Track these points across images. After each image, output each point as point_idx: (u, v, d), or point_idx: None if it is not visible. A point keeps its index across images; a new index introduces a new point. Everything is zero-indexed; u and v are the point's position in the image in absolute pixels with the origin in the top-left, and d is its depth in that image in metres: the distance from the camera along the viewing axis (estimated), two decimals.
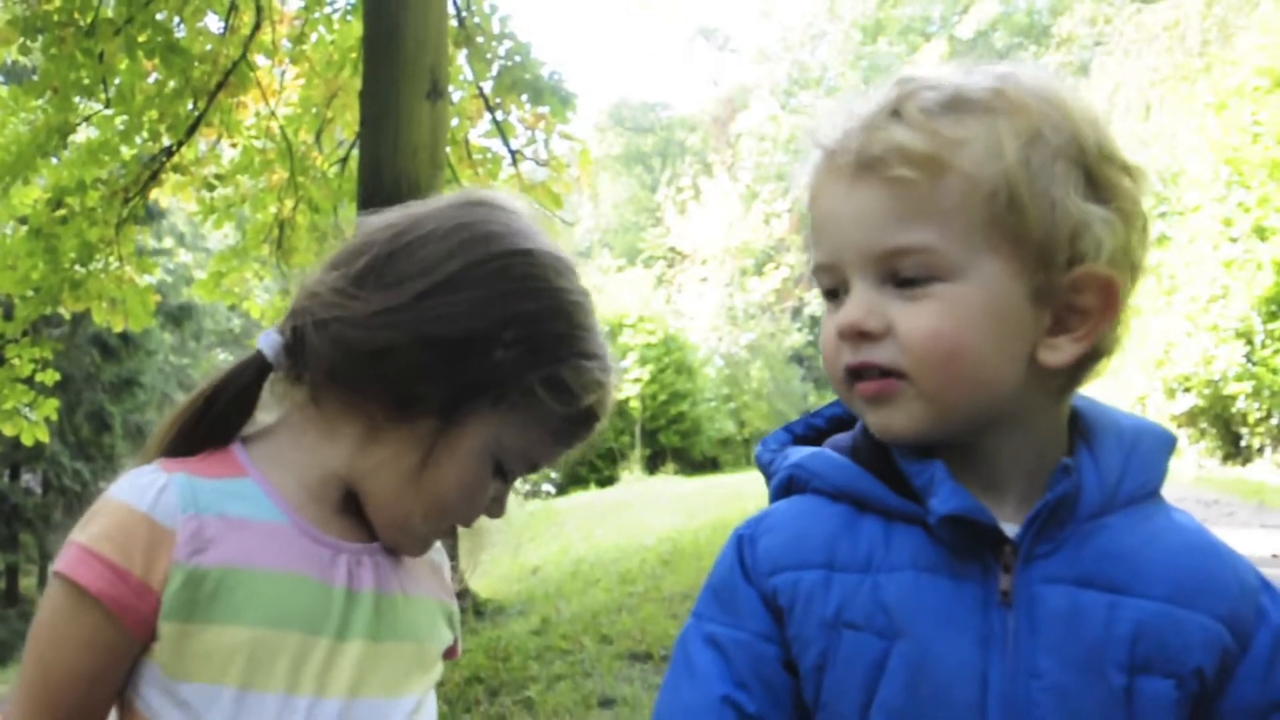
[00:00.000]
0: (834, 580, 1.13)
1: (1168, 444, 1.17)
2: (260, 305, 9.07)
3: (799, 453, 1.21)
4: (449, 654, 1.41)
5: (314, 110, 8.58)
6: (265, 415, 1.33)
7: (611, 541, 11.33)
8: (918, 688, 1.07)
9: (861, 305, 1.06)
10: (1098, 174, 1.04)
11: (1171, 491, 1.11)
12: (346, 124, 8.50)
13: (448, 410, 1.23)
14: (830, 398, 1.21)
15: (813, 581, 1.14)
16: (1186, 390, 16.37)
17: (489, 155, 8.84)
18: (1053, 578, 1.06)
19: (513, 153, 8.75)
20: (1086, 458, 1.10)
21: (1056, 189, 1.02)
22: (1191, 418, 16.56)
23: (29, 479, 27.39)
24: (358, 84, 6.47)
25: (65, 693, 1.26)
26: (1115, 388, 22.67)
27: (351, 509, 1.30)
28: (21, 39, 6.77)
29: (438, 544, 1.37)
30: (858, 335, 1.07)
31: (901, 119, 1.04)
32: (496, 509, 1.30)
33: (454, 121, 7.68)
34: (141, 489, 1.27)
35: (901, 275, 1.05)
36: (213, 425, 1.31)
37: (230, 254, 8.82)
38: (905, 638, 1.08)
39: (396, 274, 1.24)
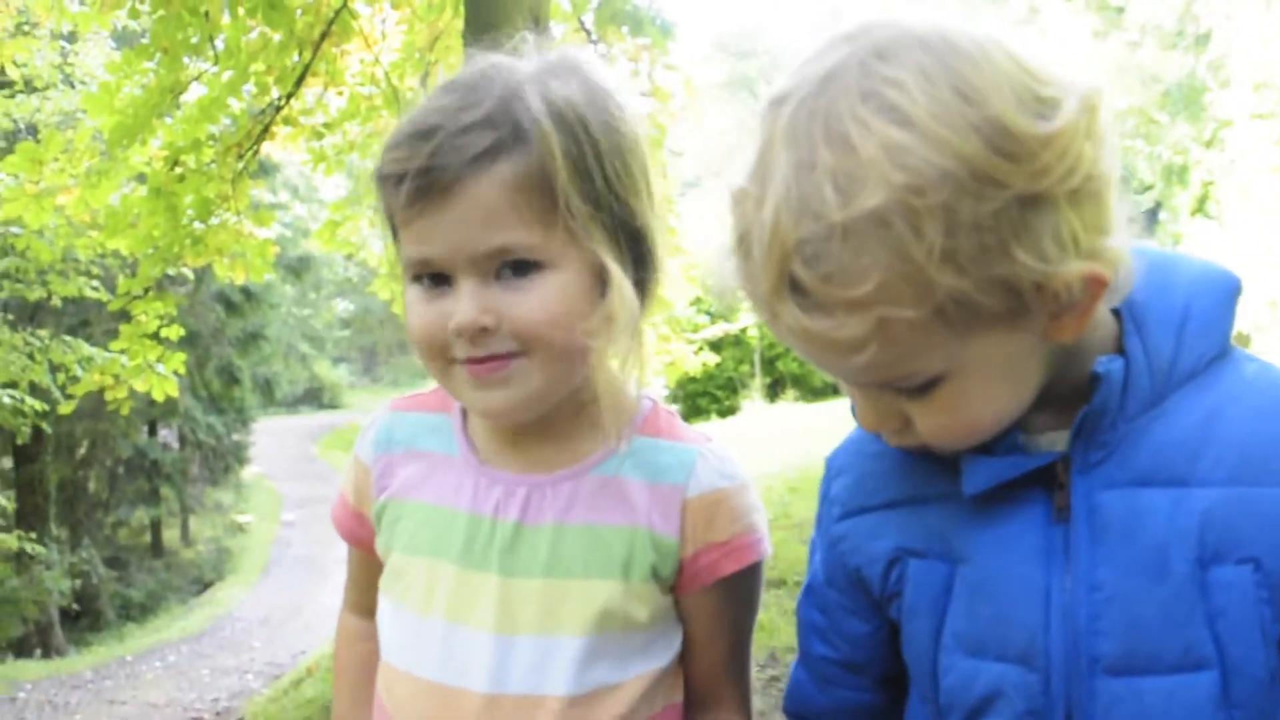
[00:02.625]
0: (893, 515, 1.16)
1: (1228, 294, 1.08)
2: (377, 254, 9.16)
3: None
4: (704, 571, 1.32)
5: (417, 54, 8.59)
6: None
7: None
8: (980, 610, 1.07)
9: (875, 411, 1.09)
10: (1012, 186, 0.89)
11: None
12: (449, 66, 8.50)
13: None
14: None
15: (875, 521, 1.18)
16: None
17: None
18: (1110, 483, 1.02)
19: None
20: (1135, 344, 1.04)
21: (978, 259, 0.90)
22: None
23: (166, 434, 28.25)
24: (460, 25, 6.44)
25: (350, 577, 1.58)
26: (1245, 296, 22.09)
27: (533, 438, 1.33)
28: (130, 2, 6.86)
29: (684, 464, 1.32)
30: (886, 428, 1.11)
31: (802, 297, 0.94)
32: (454, 323, 1.22)
33: None
34: (361, 429, 1.48)
35: (912, 387, 1.01)
36: None
37: (344, 203, 8.90)
38: (966, 562, 1.09)
39: None
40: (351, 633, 1.58)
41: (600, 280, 1.24)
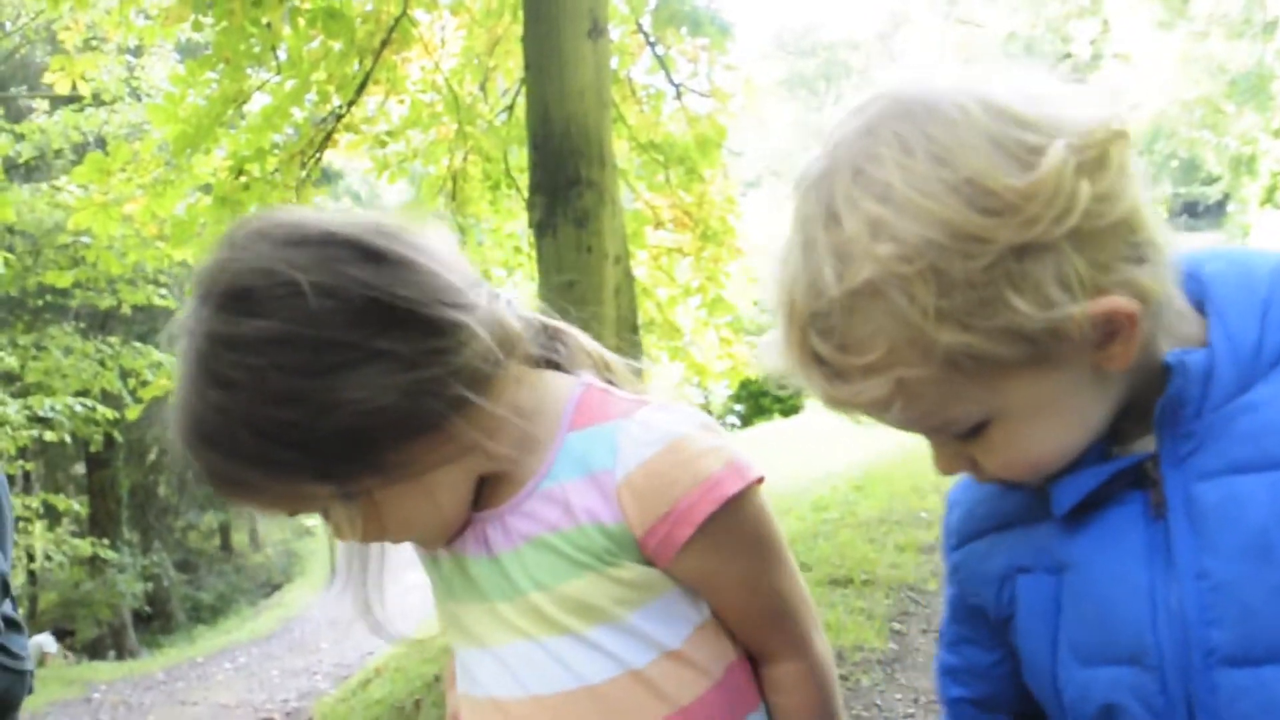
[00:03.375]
0: (1002, 537, 1.17)
1: None
2: None
3: None
4: (666, 543, 1.27)
5: (476, 60, 8.64)
6: None
7: (801, 470, 11.30)
8: (1087, 616, 1.07)
9: (943, 456, 1.10)
10: (997, 241, 0.91)
11: None
12: (509, 71, 8.54)
13: None
14: None
15: (986, 545, 1.19)
16: None
17: (652, 92, 8.79)
18: (1205, 473, 1.01)
19: (676, 86, 8.68)
20: (1218, 334, 1.03)
21: (977, 313, 0.93)
22: None
23: None
24: (518, 30, 6.47)
25: None
26: None
27: (490, 478, 1.34)
28: (193, 15, 6.94)
29: (610, 445, 1.30)
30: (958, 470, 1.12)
31: (824, 366, 1.01)
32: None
33: (614, 60, 7.64)
34: None
35: (961, 433, 1.05)
36: None
37: (406, 209, 8.96)
38: (1070, 570, 1.09)
39: None
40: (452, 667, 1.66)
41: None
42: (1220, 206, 35.83)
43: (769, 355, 1.07)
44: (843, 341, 0.97)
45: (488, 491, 1.34)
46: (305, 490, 1.20)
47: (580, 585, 1.28)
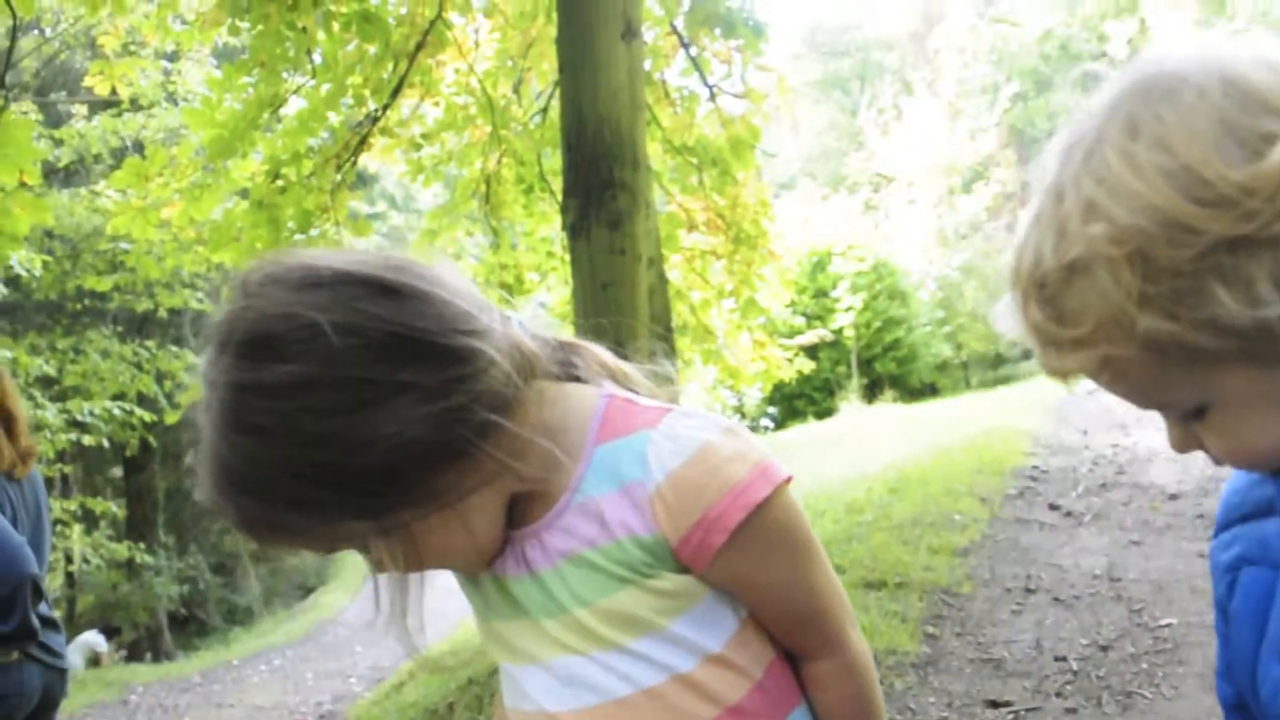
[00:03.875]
0: (1242, 528, 1.15)
1: None
2: (472, 265, 9.22)
3: None
4: (701, 550, 1.29)
5: (510, 62, 8.65)
6: None
7: (835, 473, 11.25)
8: None
9: (1175, 434, 1.09)
10: (1209, 232, 0.90)
11: None
12: (542, 74, 8.56)
13: None
14: None
15: (1230, 536, 1.17)
16: None
17: (686, 94, 8.78)
18: None
19: (710, 88, 8.67)
20: None
21: (1181, 303, 0.92)
22: None
23: None
24: (552, 32, 6.48)
25: None
26: None
27: (521, 497, 1.33)
28: (230, 19, 6.99)
29: (638, 456, 1.31)
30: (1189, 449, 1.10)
31: (1042, 335, 1.04)
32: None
33: (647, 62, 7.63)
34: None
35: (1185, 414, 1.05)
36: None
37: (441, 212, 8.99)
38: None
39: None
40: None
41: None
42: None
43: (1001, 319, 1.09)
44: (1056, 313, 0.99)
45: (522, 510, 1.34)
46: (343, 529, 1.22)
47: (622, 599, 1.29)
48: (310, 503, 1.18)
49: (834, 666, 1.40)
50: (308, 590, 25.69)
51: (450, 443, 1.18)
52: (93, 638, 15.35)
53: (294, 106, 7.76)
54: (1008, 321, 1.08)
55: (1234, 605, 1.14)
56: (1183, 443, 1.08)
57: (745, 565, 1.30)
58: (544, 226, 9.14)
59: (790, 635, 1.39)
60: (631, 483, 1.29)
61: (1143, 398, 1.03)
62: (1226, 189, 0.89)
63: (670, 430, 1.30)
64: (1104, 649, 5.18)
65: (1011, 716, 4.54)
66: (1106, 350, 0.98)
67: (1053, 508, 8.26)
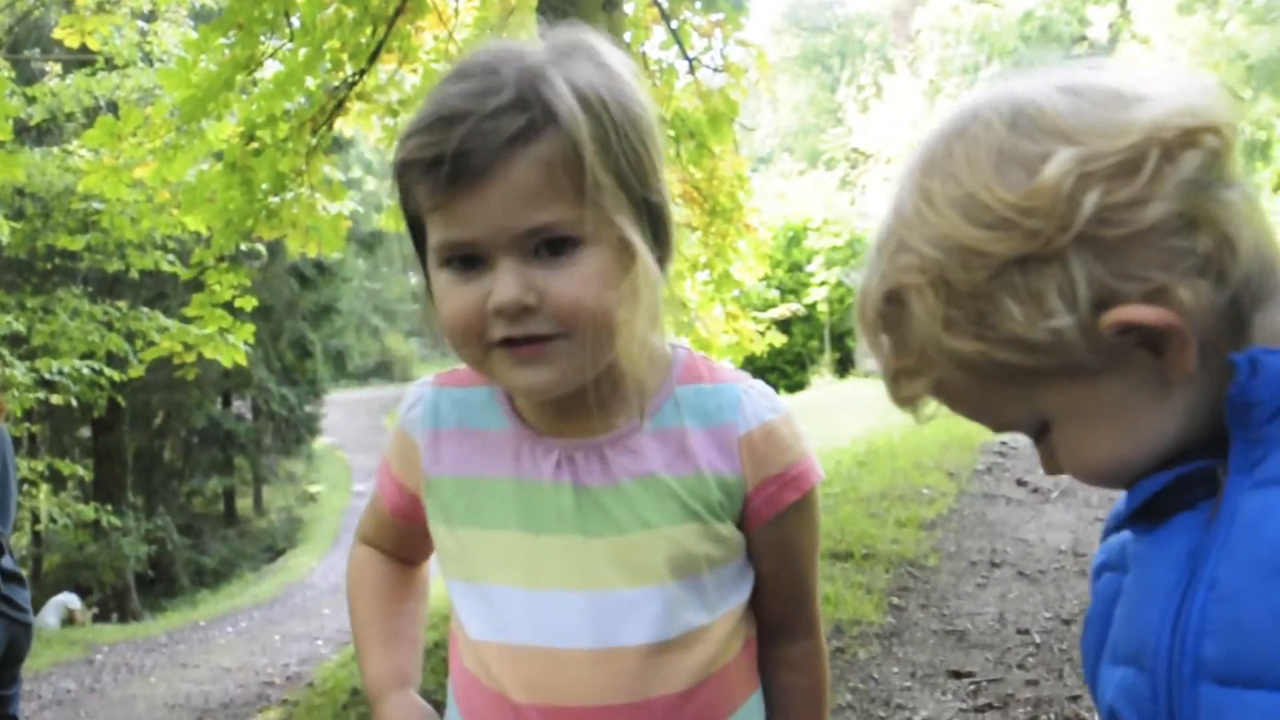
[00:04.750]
0: (1114, 536, 1.17)
1: None
2: None
3: None
4: (769, 503, 1.38)
5: (490, 31, 8.60)
6: None
7: None
8: (1124, 614, 1.06)
9: (1040, 457, 1.11)
10: (994, 254, 0.94)
11: None
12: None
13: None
14: None
15: (1102, 550, 1.20)
16: None
17: (665, 66, 8.76)
18: (1262, 481, 0.96)
19: (689, 60, 8.66)
20: None
21: (983, 323, 0.96)
22: None
23: (240, 405, 28.70)
24: (533, 1, 6.45)
25: (375, 525, 1.63)
26: None
27: (581, 406, 1.33)
28: None
29: (735, 403, 1.37)
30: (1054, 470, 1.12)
31: (881, 367, 1.09)
32: (493, 300, 1.24)
33: (628, 34, 7.61)
34: (405, 404, 1.50)
35: (1029, 433, 1.09)
36: None
37: None
38: (1132, 570, 1.09)
39: None
40: (372, 556, 1.64)
41: (625, 257, 1.26)
42: None
43: (863, 358, 1.12)
44: (891, 343, 1.05)
45: (576, 414, 1.35)
46: None
47: (686, 531, 1.33)
48: None
49: (810, 649, 1.49)
50: (277, 553, 25.66)
51: None
52: (68, 598, 15.49)
53: (270, 69, 7.69)
54: (866, 359, 1.12)
55: (1089, 610, 1.17)
56: (1047, 463, 1.10)
57: (792, 530, 1.41)
58: None
59: (786, 612, 1.47)
60: (723, 425, 1.36)
61: (985, 418, 1.08)
62: (1004, 211, 0.94)
63: (763, 390, 1.40)
64: (1066, 622, 5.25)
65: (974, 687, 4.60)
66: (933, 375, 1.03)
67: (1020, 483, 8.33)
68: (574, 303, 1.23)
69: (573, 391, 1.31)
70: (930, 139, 1.04)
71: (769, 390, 1.42)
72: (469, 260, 1.26)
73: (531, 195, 1.21)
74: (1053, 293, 0.93)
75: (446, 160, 1.19)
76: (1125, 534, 1.14)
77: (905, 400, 1.09)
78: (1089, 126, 0.95)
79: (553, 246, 1.23)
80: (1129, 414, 1.01)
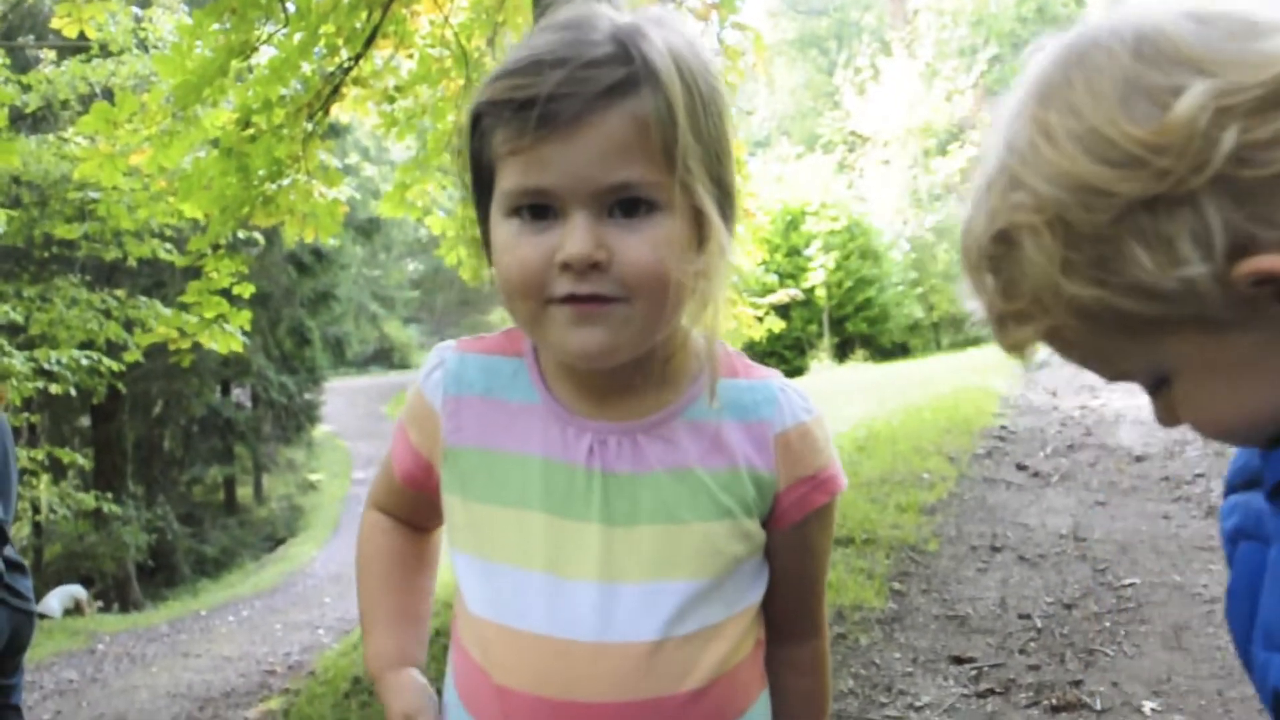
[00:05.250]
0: (1242, 496, 1.10)
1: None
2: (441, 220, 9.15)
3: None
4: (798, 504, 1.37)
5: (485, 15, 8.57)
6: None
7: None
8: (1275, 597, 0.99)
9: (1155, 409, 1.07)
10: (1120, 194, 0.89)
11: None
12: (516, 27, 8.48)
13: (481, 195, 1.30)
14: None
15: (1232, 502, 1.13)
16: None
17: None
18: None
19: None
20: None
21: (1104, 267, 0.91)
22: None
23: (239, 394, 28.71)
24: None
25: (386, 492, 1.56)
26: None
27: (619, 386, 1.31)
28: None
29: (772, 400, 1.36)
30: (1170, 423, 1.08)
31: (989, 310, 1.05)
32: (563, 254, 1.19)
33: None
34: (426, 366, 1.42)
35: (1148, 386, 1.04)
36: None
37: (413, 165, 8.92)
38: (1276, 544, 1.00)
39: None
40: (384, 525, 1.59)
41: (699, 230, 1.23)
42: None
43: (965, 297, 1.08)
44: (1000, 286, 1.00)
45: (611, 394, 1.32)
46: None
47: (717, 528, 1.31)
48: None
49: (815, 650, 1.49)
50: (277, 541, 25.67)
51: None
52: (74, 589, 15.55)
53: (266, 55, 7.66)
54: (969, 301, 1.08)
55: (1230, 579, 1.10)
56: (1163, 415, 1.05)
57: (815, 533, 1.40)
58: None
59: (795, 614, 1.46)
60: (759, 421, 1.34)
61: (1099, 368, 1.02)
62: (1132, 147, 0.87)
63: (798, 389, 1.38)
64: (1068, 607, 5.24)
65: (975, 672, 4.59)
66: (1047, 321, 0.97)
67: (1020, 468, 8.32)
68: (644, 267, 1.19)
69: (616, 368, 1.27)
70: (1045, 66, 0.97)
71: (804, 390, 1.40)
72: (539, 210, 1.21)
73: (620, 150, 1.17)
74: (1185, 238, 0.87)
75: (539, 102, 1.15)
76: (1253, 496, 1.07)
77: (1013, 346, 1.03)
78: (1224, 57, 0.87)
79: (628, 207, 1.20)
80: (1259, 371, 0.94)
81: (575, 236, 1.18)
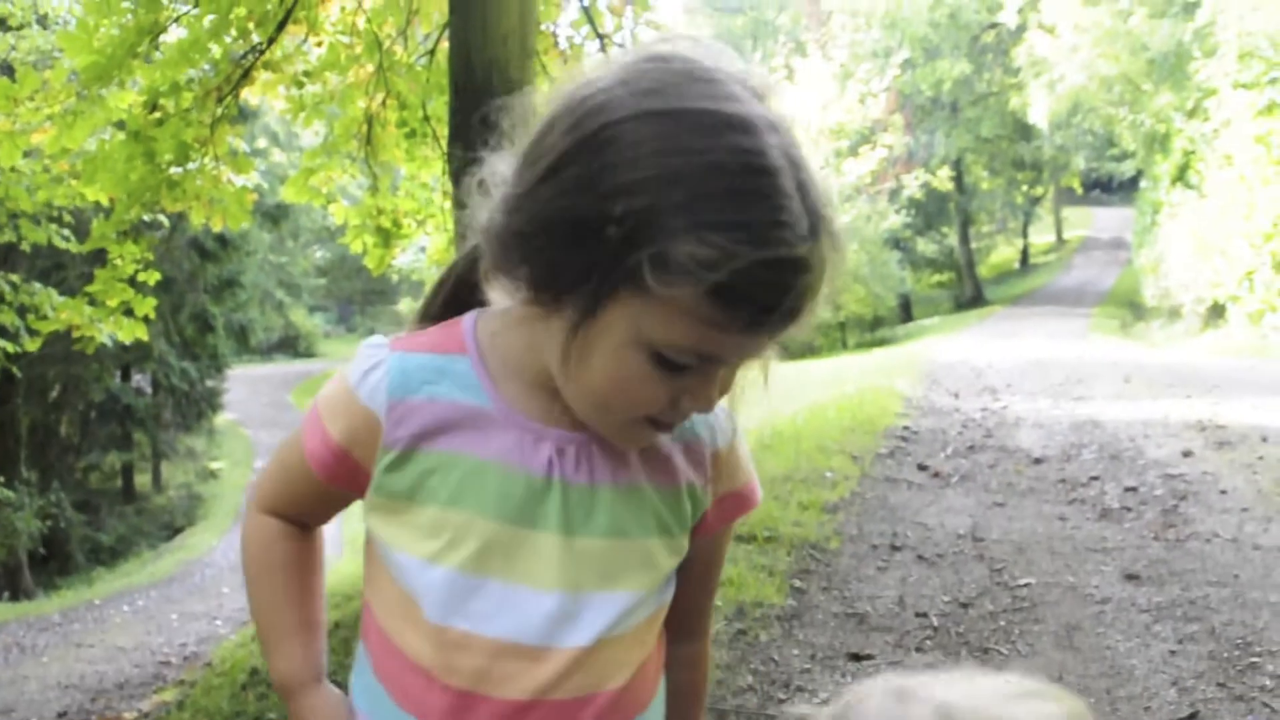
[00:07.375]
0: None
1: None
2: (345, 208, 9.06)
3: None
4: (721, 516, 1.43)
5: (399, 2, 8.50)
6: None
7: None
8: None
9: None
10: None
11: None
12: (426, 16, 8.42)
13: (589, 299, 1.13)
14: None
15: None
16: None
17: (574, 44, 8.72)
18: None
19: (601, 39, 8.62)
20: None
21: None
22: None
23: (139, 380, 28.19)
24: None
25: (287, 492, 1.45)
26: (1223, 265, 22.10)
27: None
28: None
29: (706, 421, 1.37)
30: None
31: None
32: (691, 403, 1.20)
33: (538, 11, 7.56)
34: (360, 365, 1.34)
35: None
36: (446, 301, 1.42)
37: (319, 151, 8.82)
38: None
39: (535, 154, 1.17)
40: (279, 530, 1.48)
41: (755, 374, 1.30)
42: (1133, 183, 36.47)
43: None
44: None
45: (551, 403, 1.29)
46: None
47: (656, 545, 1.35)
48: None
49: (703, 649, 1.56)
50: (175, 530, 25.26)
51: None
52: None
53: (175, 36, 7.53)
54: None
55: None
56: None
57: (723, 541, 1.48)
58: (425, 172, 9.01)
59: (697, 612, 1.52)
60: (696, 439, 1.36)
61: None
62: None
63: (723, 406, 1.31)
64: (964, 606, 5.32)
65: (873, 669, 4.65)
66: None
67: (921, 468, 8.44)
68: (710, 409, 1.26)
69: None
70: None
71: (726, 407, 1.34)
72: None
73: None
74: None
75: (778, 312, 1.11)
76: None
77: None
78: None
79: None
80: None
81: (709, 394, 1.21)
